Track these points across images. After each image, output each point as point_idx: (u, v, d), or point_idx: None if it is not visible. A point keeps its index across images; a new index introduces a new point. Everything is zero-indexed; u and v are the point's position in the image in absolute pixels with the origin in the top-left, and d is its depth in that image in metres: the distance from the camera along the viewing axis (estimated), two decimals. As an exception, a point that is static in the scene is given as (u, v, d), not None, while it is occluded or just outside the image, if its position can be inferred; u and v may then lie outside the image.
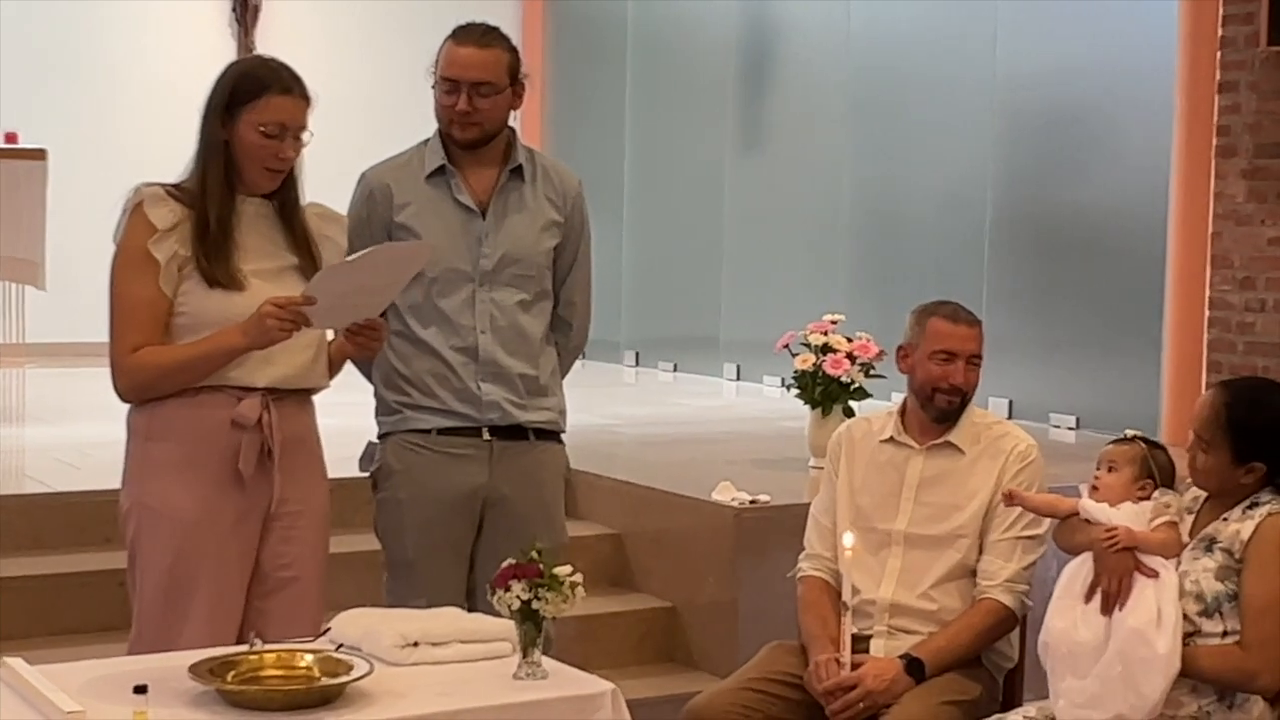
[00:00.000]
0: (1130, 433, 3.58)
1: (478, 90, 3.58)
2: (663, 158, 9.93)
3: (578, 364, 4.02)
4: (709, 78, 9.51)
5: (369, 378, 3.78)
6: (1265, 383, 3.54)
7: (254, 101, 3.23)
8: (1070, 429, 7.17)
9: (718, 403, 8.42)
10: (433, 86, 3.65)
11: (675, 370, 9.70)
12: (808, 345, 5.62)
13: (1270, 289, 6.21)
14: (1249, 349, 6.27)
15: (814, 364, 5.55)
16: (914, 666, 3.52)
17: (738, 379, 9.12)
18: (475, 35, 3.62)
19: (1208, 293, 6.43)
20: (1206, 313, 6.45)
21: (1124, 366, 6.95)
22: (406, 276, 3.35)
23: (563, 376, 3.89)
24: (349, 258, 3.27)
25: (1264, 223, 6.22)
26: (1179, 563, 3.34)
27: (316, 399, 3.46)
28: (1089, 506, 3.41)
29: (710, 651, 4.90)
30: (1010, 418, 7.47)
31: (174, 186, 3.27)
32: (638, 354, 9.99)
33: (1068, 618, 3.37)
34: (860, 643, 3.60)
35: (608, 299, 9.82)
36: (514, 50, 3.70)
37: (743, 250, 9.28)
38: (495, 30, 3.68)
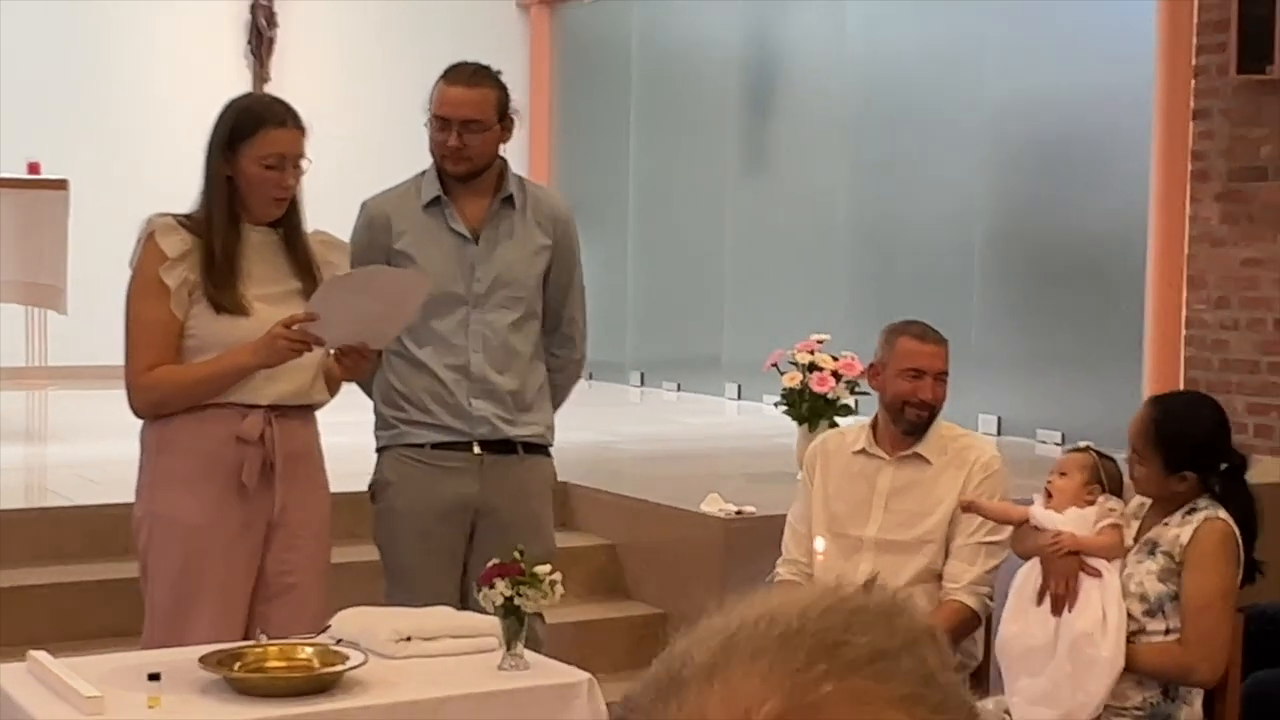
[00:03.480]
0: (1083, 444, 3.82)
1: (467, 127, 3.79)
2: (666, 181, 10.14)
3: (584, 384, 4.19)
4: (711, 104, 9.73)
5: (369, 394, 3.99)
6: (1194, 397, 3.78)
7: (253, 137, 3.41)
8: (1056, 444, 7.37)
9: (718, 420, 8.62)
10: (425, 124, 3.89)
11: (679, 390, 9.91)
12: (795, 364, 5.84)
13: (1243, 308, 6.40)
14: (1224, 366, 6.46)
15: (801, 382, 5.78)
16: (882, 665, 3.73)
17: (739, 398, 9.32)
18: (465, 75, 3.84)
19: (1184, 312, 6.61)
20: (1183, 331, 6.62)
21: (1107, 383, 7.15)
22: (410, 307, 3.52)
23: (569, 388, 4.08)
24: (343, 273, 3.46)
25: (1237, 244, 6.40)
26: (1124, 565, 3.57)
27: (323, 417, 3.64)
28: (1037, 514, 3.64)
29: (699, 656, 5.10)
30: (999, 434, 7.69)
31: (185, 217, 3.45)
32: (643, 374, 10.19)
33: (1020, 621, 3.61)
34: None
35: (613, 320, 10.08)
36: (503, 88, 3.90)
37: (744, 272, 9.49)
38: (485, 70, 3.89)
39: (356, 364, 3.48)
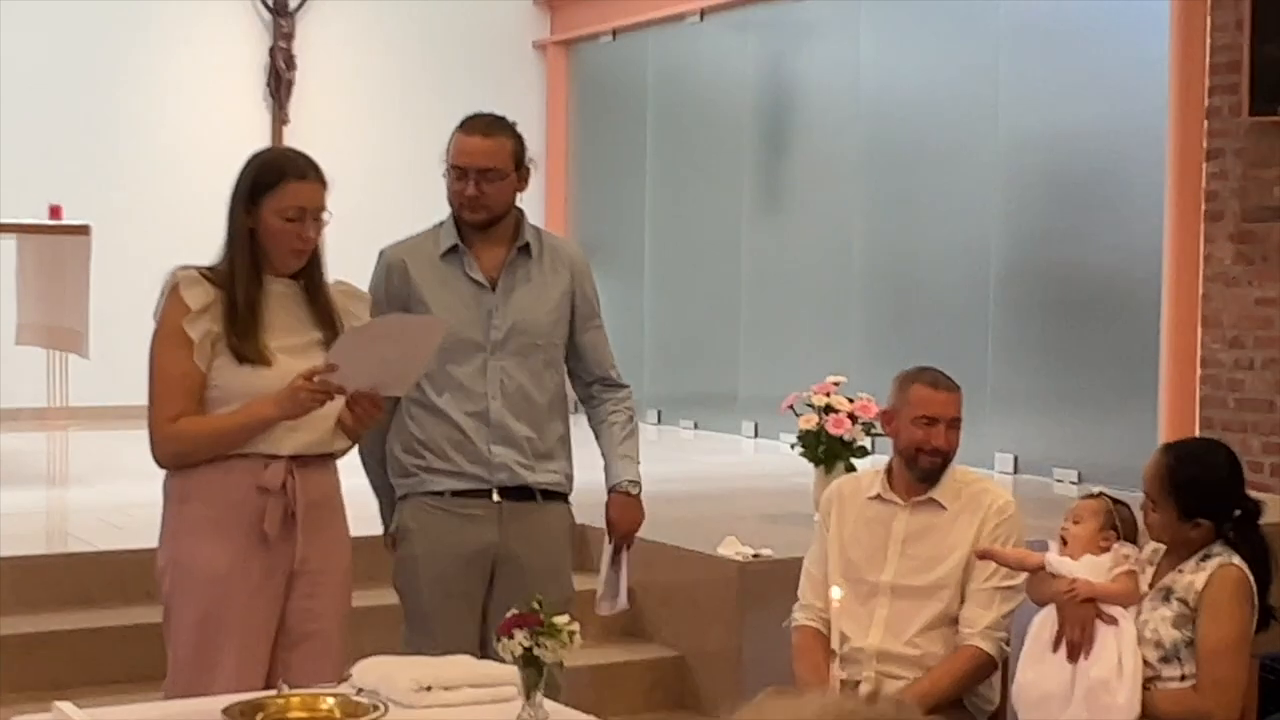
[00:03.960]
0: (1097, 489, 3.85)
1: (484, 176, 3.85)
2: (682, 219, 10.20)
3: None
4: (726, 142, 9.80)
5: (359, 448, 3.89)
6: (1208, 443, 3.80)
7: (274, 190, 3.45)
8: (1073, 483, 7.39)
9: (735, 459, 8.65)
10: (443, 174, 3.94)
11: (696, 428, 9.94)
12: (811, 406, 5.88)
13: (1258, 348, 6.42)
14: (1239, 405, 6.49)
15: (817, 424, 5.81)
16: (899, 710, 3.76)
17: (755, 436, 9.36)
18: (481, 126, 3.90)
19: (1199, 351, 6.64)
20: (1199, 370, 6.65)
21: (1123, 422, 7.17)
22: (427, 351, 3.55)
23: (635, 425, 4.11)
24: (361, 323, 3.50)
25: (1251, 284, 6.43)
26: (1140, 611, 3.59)
27: (344, 460, 3.66)
28: (1053, 561, 3.67)
29: (717, 698, 5.13)
30: (1016, 472, 7.72)
31: (208, 269, 3.49)
32: (660, 412, 10.23)
33: (1037, 667, 3.63)
34: (850, 688, 3.83)
35: (630, 357, 10.10)
36: (519, 138, 3.95)
37: (760, 310, 9.54)
38: (501, 120, 3.95)
39: (368, 412, 3.50)
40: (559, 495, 4.04)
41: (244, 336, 3.43)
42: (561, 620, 3.03)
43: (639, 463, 4.09)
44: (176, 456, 3.47)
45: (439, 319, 3.71)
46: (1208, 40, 6.59)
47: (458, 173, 3.88)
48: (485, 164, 3.86)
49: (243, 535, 3.44)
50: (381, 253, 4.02)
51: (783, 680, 4.01)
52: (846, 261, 8.88)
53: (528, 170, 3.97)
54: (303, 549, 3.48)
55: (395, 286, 3.93)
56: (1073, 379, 7.54)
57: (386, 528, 4.06)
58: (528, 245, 3.97)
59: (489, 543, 3.91)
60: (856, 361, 8.36)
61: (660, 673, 5.32)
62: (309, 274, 3.56)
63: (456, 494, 3.91)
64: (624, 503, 4.05)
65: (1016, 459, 7.74)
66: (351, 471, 3.77)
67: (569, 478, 4.06)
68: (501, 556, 3.93)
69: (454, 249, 3.94)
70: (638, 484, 4.07)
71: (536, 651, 3.00)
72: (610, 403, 4.11)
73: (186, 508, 3.48)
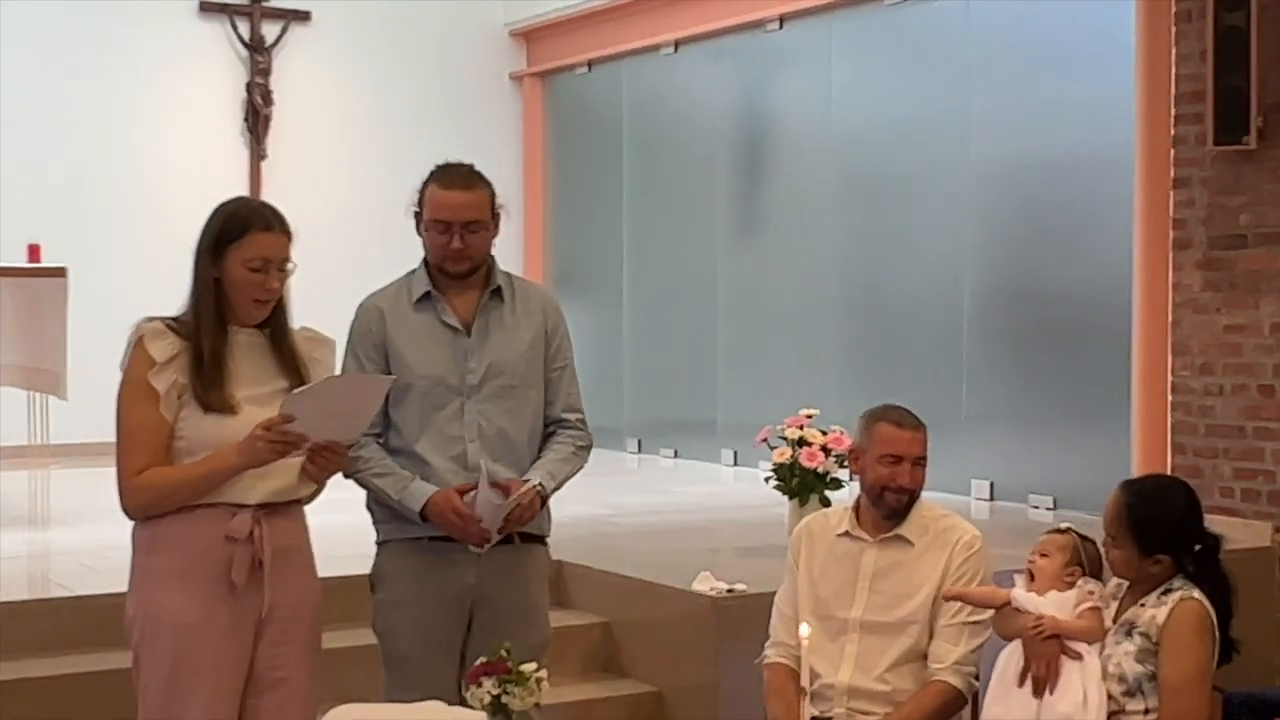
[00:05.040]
0: (1064, 525, 3.91)
1: (468, 229, 3.90)
2: (659, 248, 10.26)
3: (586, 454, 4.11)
4: (701, 172, 9.86)
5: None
6: (1165, 481, 3.86)
7: (239, 240, 3.51)
8: (1049, 509, 7.45)
9: (713, 489, 8.68)
10: (417, 226, 3.98)
11: (676, 456, 9.98)
12: (785, 439, 5.93)
13: (1227, 374, 6.48)
14: (1209, 431, 6.54)
15: (791, 457, 5.86)
16: (870, 746, 3.81)
17: (735, 464, 9.40)
18: (461, 179, 3.94)
19: (1170, 378, 6.70)
20: (1169, 397, 6.71)
21: (1097, 448, 7.22)
22: (374, 404, 3.63)
23: (567, 460, 4.01)
24: (313, 383, 3.54)
25: (1219, 311, 6.49)
26: (1103, 647, 3.65)
27: (322, 494, 3.69)
28: (1019, 597, 3.72)
29: (694, 733, 5.18)
30: (991, 499, 7.77)
31: (173, 319, 3.54)
32: (640, 441, 10.27)
33: (1003, 703, 3.69)
34: (820, 733, 3.88)
35: (609, 386, 10.18)
36: (491, 186, 4.02)
37: (737, 337, 9.59)
38: (475, 170, 3.99)
39: (330, 461, 3.54)
40: (537, 538, 4.07)
41: (209, 386, 3.48)
42: (529, 668, 3.08)
43: (558, 485, 3.98)
44: (144, 508, 3.51)
45: (384, 377, 3.77)
46: (1173, 70, 6.66)
47: (441, 227, 3.91)
48: (470, 216, 3.91)
49: (210, 584, 3.47)
50: (360, 304, 4.06)
51: (757, 715, 4.06)
52: (822, 288, 8.94)
53: (498, 216, 4.03)
54: (271, 596, 3.52)
55: (373, 336, 3.98)
56: (1046, 406, 7.60)
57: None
58: (499, 289, 4.02)
59: (467, 586, 3.94)
60: (834, 388, 8.42)
61: (637, 709, 5.35)
62: (274, 323, 3.61)
63: (434, 538, 3.93)
64: (532, 494, 3.91)
65: (992, 485, 7.80)
66: (330, 504, 3.79)
67: (548, 519, 4.09)
68: (479, 600, 3.95)
69: (426, 296, 3.99)
70: (546, 489, 3.94)
71: (504, 699, 3.05)
72: (565, 435, 4.05)
73: (154, 558, 3.52)
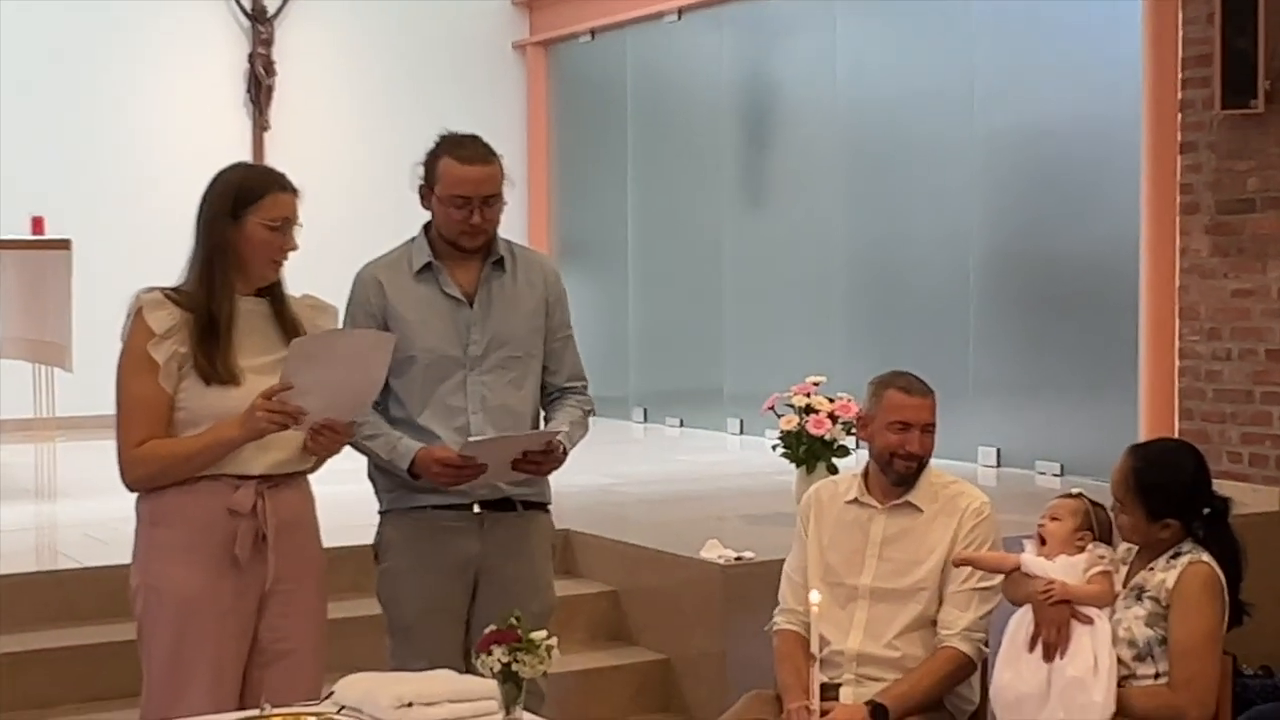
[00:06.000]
0: (1076, 489, 3.89)
1: (487, 203, 3.88)
2: (664, 216, 10.24)
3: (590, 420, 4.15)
4: (707, 139, 9.83)
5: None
6: (1173, 444, 3.84)
7: (259, 201, 3.48)
8: (1055, 475, 7.44)
9: (720, 458, 8.68)
10: (423, 200, 3.94)
11: (682, 425, 9.98)
12: (791, 406, 5.92)
13: (1235, 339, 6.46)
14: (1217, 396, 6.53)
15: (798, 424, 5.85)
16: (879, 712, 3.79)
17: (741, 433, 9.39)
18: (479, 154, 3.89)
19: (1177, 343, 6.68)
20: (1177, 362, 6.69)
21: (1105, 413, 7.21)
22: (379, 368, 3.56)
23: (584, 434, 4.07)
24: (306, 336, 3.49)
25: (1227, 276, 6.47)
26: (1114, 611, 3.64)
27: (329, 464, 3.65)
28: (1029, 562, 3.71)
29: (702, 701, 5.16)
30: (998, 465, 7.77)
31: (173, 290, 3.50)
32: (646, 410, 10.27)
33: (1013, 668, 3.67)
34: (831, 691, 3.87)
35: (615, 356, 10.17)
36: (500, 157, 3.99)
37: (743, 305, 9.58)
38: (487, 143, 3.95)
39: (332, 440, 3.51)
40: (539, 505, 4.07)
41: (214, 356, 3.44)
42: (539, 635, 3.06)
43: (573, 445, 3.98)
44: (144, 480, 3.49)
45: (386, 334, 3.71)
46: (1179, 34, 6.61)
47: (460, 201, 3.87)
48: (490, 190, 3.89)
49: (214, 558, 3.46)
50: (359, 273, 4.03)
51: (769, 683, 4.05)
52: (828, 255, 8.92)
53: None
54: (275, 569, 3.50)
55: (373, 304, 3.95)
56: (1053, 371, 7.59)
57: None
58: (501, 259, 4.00)
59: (471, 555, 3.94)
60: (840, 355, 8.41)
61: (646, 676, 5.36)
62: (273, 290, 3.58)
63: (438, 508, 3.92)
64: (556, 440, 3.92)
65: (999, 452, 7.80)
66: (337, 475, 3.77)
67: (549, 487, 4.08)
68: (484, 568, 3.95)
69: (427, 266, 3.96)
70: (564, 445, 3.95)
71: (515, 667, 3.04)
72: (573, 399, 4.06)
73: (157, 531, 3.50)
